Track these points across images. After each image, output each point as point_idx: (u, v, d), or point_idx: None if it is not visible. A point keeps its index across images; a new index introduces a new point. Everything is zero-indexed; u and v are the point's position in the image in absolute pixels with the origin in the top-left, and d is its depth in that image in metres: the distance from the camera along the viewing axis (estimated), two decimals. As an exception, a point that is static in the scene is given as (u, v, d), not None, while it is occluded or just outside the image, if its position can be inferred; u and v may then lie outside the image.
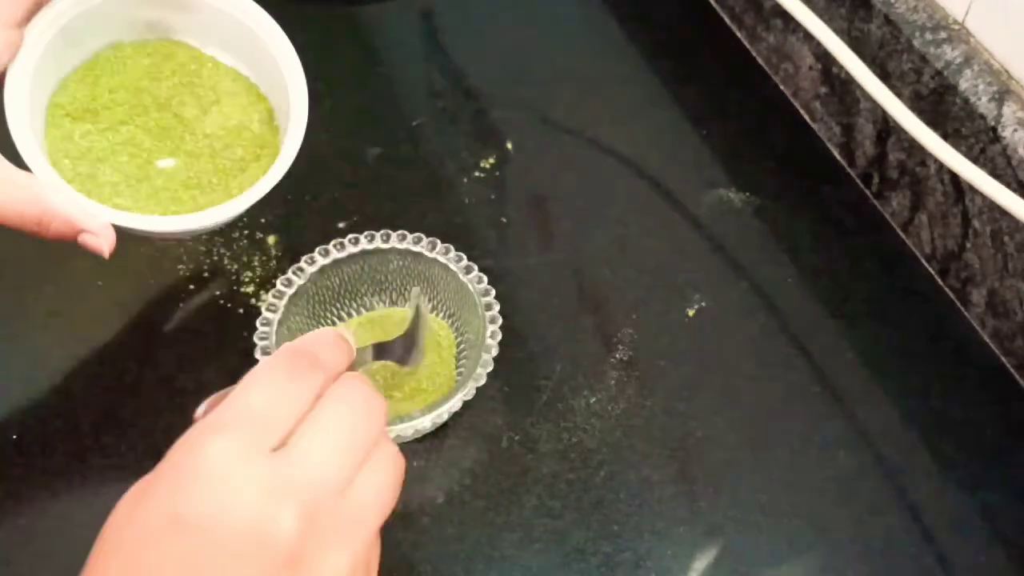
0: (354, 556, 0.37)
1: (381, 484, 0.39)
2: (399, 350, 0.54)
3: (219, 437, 0.36)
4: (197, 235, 0.61)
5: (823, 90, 0.71)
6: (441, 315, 0.60)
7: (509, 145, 0.71)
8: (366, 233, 0.59)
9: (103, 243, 0.49)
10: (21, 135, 0.50)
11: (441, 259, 0.58)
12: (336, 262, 0.58)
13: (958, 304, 0.65)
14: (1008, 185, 0.56)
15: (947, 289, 0.65)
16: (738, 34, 0.78)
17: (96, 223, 0.49)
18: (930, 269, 0.66)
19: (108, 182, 0.54)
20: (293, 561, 0.36)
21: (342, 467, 0.38)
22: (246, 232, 0.64)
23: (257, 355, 0.54)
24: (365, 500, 0.38)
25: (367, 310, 0.61)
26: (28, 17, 0.51)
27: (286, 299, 0.57)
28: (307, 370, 0.40)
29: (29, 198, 0.48)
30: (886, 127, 0.66)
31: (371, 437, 0.39)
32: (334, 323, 0.60)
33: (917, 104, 0.62)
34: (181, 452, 0.37)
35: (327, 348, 0.42)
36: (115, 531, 0.36)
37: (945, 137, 0.58)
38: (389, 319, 0.60)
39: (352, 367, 0.43)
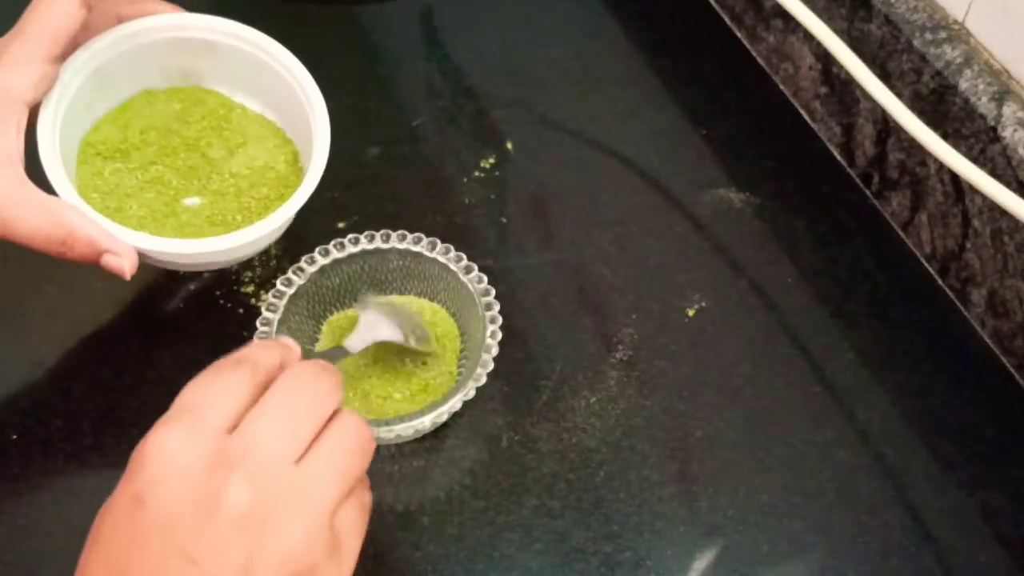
0: (313, 522, 0.39)
1: (337, 452, 0.41)
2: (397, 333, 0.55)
3: (163, 428, 0.40)
4: (214, 267, 0.61)
5: (823, 90, 0.71)
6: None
7: (509, 145, 0.70)
8: (366, 233, 0.59)
9: (125, 264, 0.51)
10: (50, 162, 0.52)
11: (441, 259, 0.58)
12: (336, 262, 0.58)
13: (958, 304, 0.65)
14: (1008, 185, 0.56)
15: (947, 289, 0.65)
16: (738, 34, 0.78)
17: (118, 244, 0.51)
18: (930, 269, 0.66)
19: (134, 216, 0.56)
20: (244, 523, 0.38)
21: (288, 439, 0.40)
22: (246, 232, 0.64)
23: (257, 355, 0.54)
24: (319, 468, 0.40)
25: (367, 310, 0.61)
26: (65, 55, 0.53)
27: (286, 299, 0.57)
28: (231, 365, 0.42)
29: (54, 220, 0.50)
30: (886, 127, 0.66)
31: (321, 411, 0.41)
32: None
33: (917, 104, 0.62)
34: (136, 450, 0.40)
35: (253, 349, 0.44)
36: (94, 529, 0.39)
37: (945, 137, 0.58)
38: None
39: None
